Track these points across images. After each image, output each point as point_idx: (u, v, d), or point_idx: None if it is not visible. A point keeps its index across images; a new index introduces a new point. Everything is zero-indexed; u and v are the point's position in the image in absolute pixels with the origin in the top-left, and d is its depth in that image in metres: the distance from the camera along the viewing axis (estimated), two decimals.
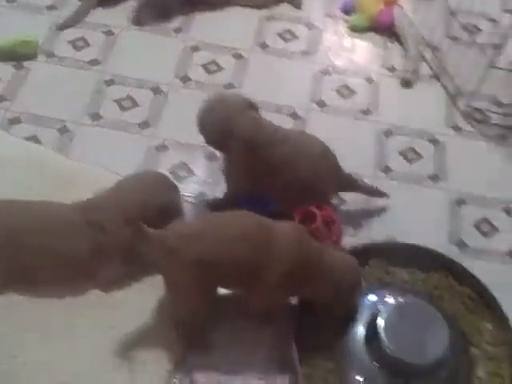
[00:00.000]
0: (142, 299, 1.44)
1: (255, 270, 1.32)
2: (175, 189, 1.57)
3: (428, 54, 2.10)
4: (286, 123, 1.83)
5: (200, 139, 1.56)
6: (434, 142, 1.89)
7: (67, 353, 1.35)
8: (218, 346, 1.41)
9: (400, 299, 1.43)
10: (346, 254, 1.45)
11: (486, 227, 1.72)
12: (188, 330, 1.40)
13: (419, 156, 1.85)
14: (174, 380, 1.36)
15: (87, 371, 1.33)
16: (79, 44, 1.99)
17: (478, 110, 1.96)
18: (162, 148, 1.78)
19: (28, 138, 1.76)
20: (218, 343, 1.41)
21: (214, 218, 1.41)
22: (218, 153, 1.69)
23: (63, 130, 1.79)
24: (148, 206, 1.45)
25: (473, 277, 1.55)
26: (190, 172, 1.75)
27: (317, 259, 1.36)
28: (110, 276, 1.44)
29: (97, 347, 1.36)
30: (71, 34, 2.02)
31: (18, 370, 1.32)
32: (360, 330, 1.42)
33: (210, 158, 1.76)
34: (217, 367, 1.39)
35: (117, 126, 1.81)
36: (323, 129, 1.82)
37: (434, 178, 1.81)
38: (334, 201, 1.68)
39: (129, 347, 1.37)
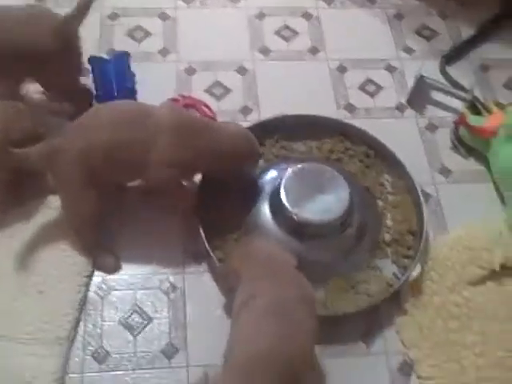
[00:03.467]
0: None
1: (141, 147, 1.28)
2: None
3: None
4: (236, 79, 1.72)
5: None
6: (306, 16, 1.86)
7: None
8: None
9: (298, 166, 1.42)
10: (235, 123, 1.43)
11: (371, 88, 1.73)
12: (88, 238, 1.35)
13: (295, 32, 1.83)
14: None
15: None
16: None
17: None
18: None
19: None
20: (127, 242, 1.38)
21: (91, 110, 1.36)
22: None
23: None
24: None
25: (366, 134, 1.57)
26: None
27: (203, 128, 1.33)
28: None
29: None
30: None
31: None
32: (265, 204, 1.41)
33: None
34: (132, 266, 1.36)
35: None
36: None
37: (313, 50, 1.80)
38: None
39: (34, 270, 1.31)
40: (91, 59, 1.62)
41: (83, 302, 1.31)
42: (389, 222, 1.47)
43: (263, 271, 1.16)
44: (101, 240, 1.37)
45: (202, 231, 1.36)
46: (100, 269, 1.35)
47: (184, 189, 1.41)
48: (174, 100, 1.54)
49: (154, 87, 1.63)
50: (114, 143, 1.28)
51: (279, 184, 1.39)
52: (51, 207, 1.40)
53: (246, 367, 1.05)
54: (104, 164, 1.28)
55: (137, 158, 1.30)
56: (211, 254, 1.34)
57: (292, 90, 1.70)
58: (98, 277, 1.35)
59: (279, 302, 1.11)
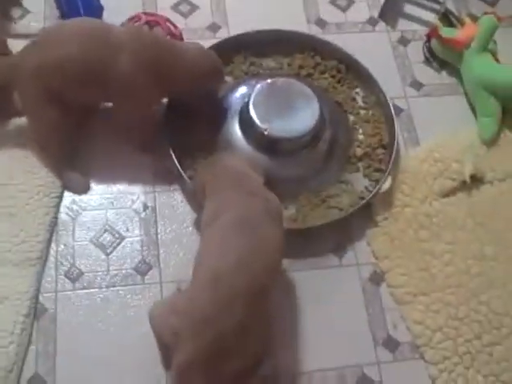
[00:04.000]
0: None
1: (99, 65, 1.24)
2: None
3: None
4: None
5: None
6: None
7: None
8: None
9: (267, 81, 1.39)
10: (197, 43, 1.38)
11: (342, 2, 1.68)
12: (54, 156, 1.32)
13: None
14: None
15: None
16: None
17: None
18: None
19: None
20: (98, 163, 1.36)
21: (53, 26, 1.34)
22: None
23: None
24: None
25: (337, 49, 1.54)
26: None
27: (163, 46, 1.29)
28: None
29: None
30: None
31: None
32: (234, 121, 1.39)
33: None
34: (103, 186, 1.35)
35: None
36: None
37: None
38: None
39: (4, 193, 1.29)
40: None
41: (54, 223, 1.30)
42: (360, 137, 1.46)
43: (229, 186, 1.15)
44: (68, 160, 1.35)
45: (171, 151, 1.34)
46: (68, 189, 1.34)
47: (151, 112, 1.38)
48: (136, 17, 1.48)
49: (119, 4, 1.57)
50: (70, 59, 1.24)
51: (248, 100, 1.36)
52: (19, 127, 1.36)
53: (213, 281, 1.06)
54: (62, 81, 1.25)
55: (94, 76, 1.26)
56: (182, 172, 1.32)
57: (261, 5, 1.65)
58: (69, 198, 1.34)
59: (245, 215, 1.11)
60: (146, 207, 1.34)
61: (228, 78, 1.49)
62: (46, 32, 1.32)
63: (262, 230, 1.10)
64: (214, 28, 1.61)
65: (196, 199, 1.27)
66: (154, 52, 1.27)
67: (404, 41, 1.63)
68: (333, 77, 1.53)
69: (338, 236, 1.34)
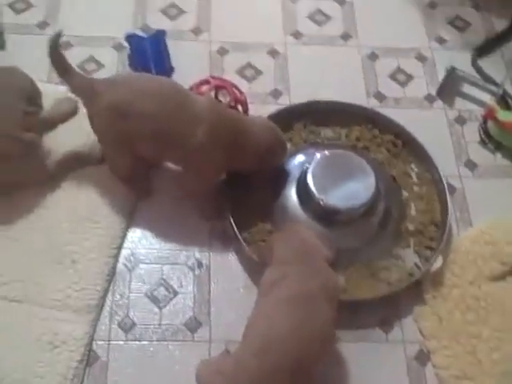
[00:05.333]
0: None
1: (174, 129, 1.30)
2: None
3: None
4: (268, 62, 1.74)
5: None
6: (340, 2, 1.87)
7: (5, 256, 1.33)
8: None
9: (325, 152, 1.44)
10: (262, 118, 1.44)
11: (401, 77, 1.74)
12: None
13: (327, 17, 1.83)
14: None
15: (27, 271, 1.31)
16: None
17: None
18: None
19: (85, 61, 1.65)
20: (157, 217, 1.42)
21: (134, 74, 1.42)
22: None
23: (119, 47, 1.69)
24: None
25: (394, 124, 1.58)
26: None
27: (236, 122, 1.34)
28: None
29: (34, 246, 1.34)
30: None
31: None
32: (292, 188, 1.44)
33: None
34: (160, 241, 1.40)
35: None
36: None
37: (345, 36, 1.80)
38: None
39: (69, 240, 1.35)
40: (128, 37, 1.66)
41: (112, 272, 1.35)
42: (413, 213, 1.49)
43: (295, 259, 1.19)
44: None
45: (229, 213, 1.39)
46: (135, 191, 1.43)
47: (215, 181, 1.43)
48: (205, 81, 1.54)
49: (187, 66, 1.65)
50: (147, 116, 1.29)
51: (307, 169, 1.41)
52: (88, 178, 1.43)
53: (262, 349, 1.09)
54: (135, 133, 1.30)
55: (168, 139, 1.31)
56: (238, 234, 1.37)
57: (323, 75, 1.71)
58: (128, 249, 1.39)
59: (303, 290, 1.14)
60: (200, 265, 1.38)
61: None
62: (128, 78, 1.38)
63: (316, 306, 1.13)
64: (276, 94, 1.67)
65: (261, 259, 1.30)
66: (231, 129, 1.33)
67: (461, 120, 1.67)
68: (388, 151, 1.57)
69: (385, 310, 1.35)
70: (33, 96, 1.37)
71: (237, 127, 1.34)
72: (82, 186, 1.43)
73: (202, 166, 1.34)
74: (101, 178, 1.44)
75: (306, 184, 1.39)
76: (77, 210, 1.40)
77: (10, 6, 1.75)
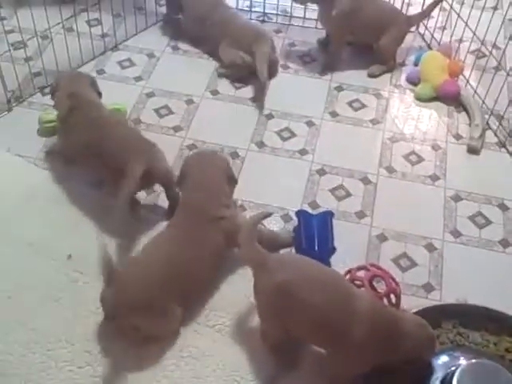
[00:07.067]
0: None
1: (334, 322, 1.38)
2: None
3: (493, 123, 2.18)
4: (357, 188, 1.95)
5: None
6: (502, 206, 1.94)
7: None
8: None
9: (473, 361, 1.45)
10: (415, 315, 1.49)
11: None
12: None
13: (488, 221, 1.91)
14: None
15: None
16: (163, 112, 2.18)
17: None
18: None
19: None
20: None
21: (307, 259, 1.50)
22: None
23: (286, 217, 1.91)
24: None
25: None
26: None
27: (393, 323, 1.40)
28: None
29: None
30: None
31: None
32: None
33: None
34: None
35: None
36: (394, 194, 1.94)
37: (504, 243, 1.85)
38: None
39: None
40: (298, 212, 1.82)
41: None
42: None
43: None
44: None
45: None
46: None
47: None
48: (364, 268, 1.63)
49: (346, 248, 1.77)
50: (308, 306, 1.38)
51: (452, 376, 1.41)
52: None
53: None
54: (293, 319, 1.40)
55: (324, 328, 1.40)
56: None
57: (479, 278, 1.75)
58: None
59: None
60: None
61: None
62: (298, 261, 1.49)
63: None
64: (428, 288, 1.73)
65: None
66: (388, 332, 1.39)
67: None
68: None
69: None
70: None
71: (393, 328, 1.40)
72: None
73: (351, 362, 1.40)
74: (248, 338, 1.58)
75: None
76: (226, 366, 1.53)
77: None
